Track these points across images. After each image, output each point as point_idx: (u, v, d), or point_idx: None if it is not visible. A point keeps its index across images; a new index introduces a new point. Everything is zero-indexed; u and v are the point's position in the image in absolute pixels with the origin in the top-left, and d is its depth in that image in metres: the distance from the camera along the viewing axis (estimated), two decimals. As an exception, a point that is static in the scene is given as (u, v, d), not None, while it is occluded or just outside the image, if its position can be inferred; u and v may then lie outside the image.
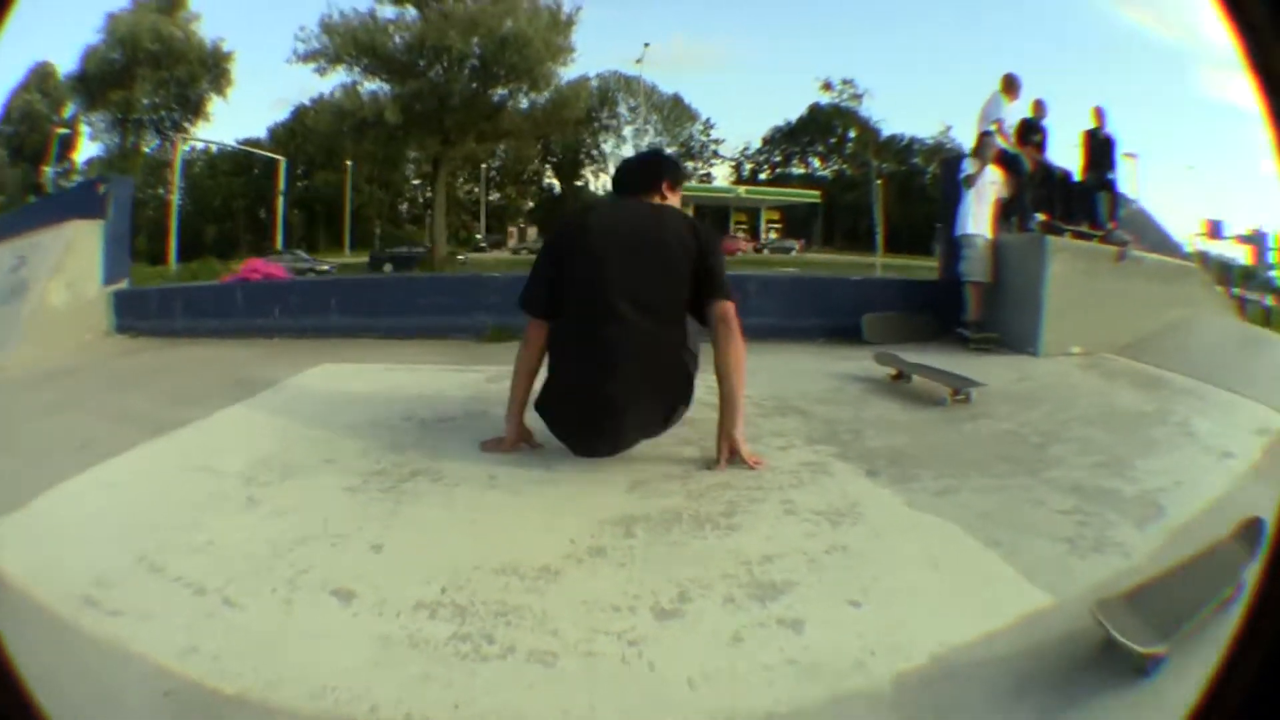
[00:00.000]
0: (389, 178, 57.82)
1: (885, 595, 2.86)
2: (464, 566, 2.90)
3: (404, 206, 61.98)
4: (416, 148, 49.47)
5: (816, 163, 72.96)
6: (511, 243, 60.98)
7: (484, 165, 60.06)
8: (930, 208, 37.52)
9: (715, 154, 71.20)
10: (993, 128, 9.75)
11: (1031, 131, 10.46)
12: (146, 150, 52.33)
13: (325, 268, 41.09)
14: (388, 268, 41.39)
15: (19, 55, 45.54)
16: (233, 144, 54.86)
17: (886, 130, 69.47)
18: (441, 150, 46.43)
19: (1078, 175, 10.89)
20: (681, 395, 4.20)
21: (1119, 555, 3.45)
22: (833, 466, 4.30)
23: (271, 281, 10.21)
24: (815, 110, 70.03)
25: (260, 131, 57.83)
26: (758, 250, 59.43)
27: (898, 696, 2.30)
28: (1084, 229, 9.95)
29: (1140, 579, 2.91)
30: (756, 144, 72.32)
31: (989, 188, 9.17)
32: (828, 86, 68.23)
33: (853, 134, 69.10)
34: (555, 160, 67.05)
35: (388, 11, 43.50)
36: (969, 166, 9.24)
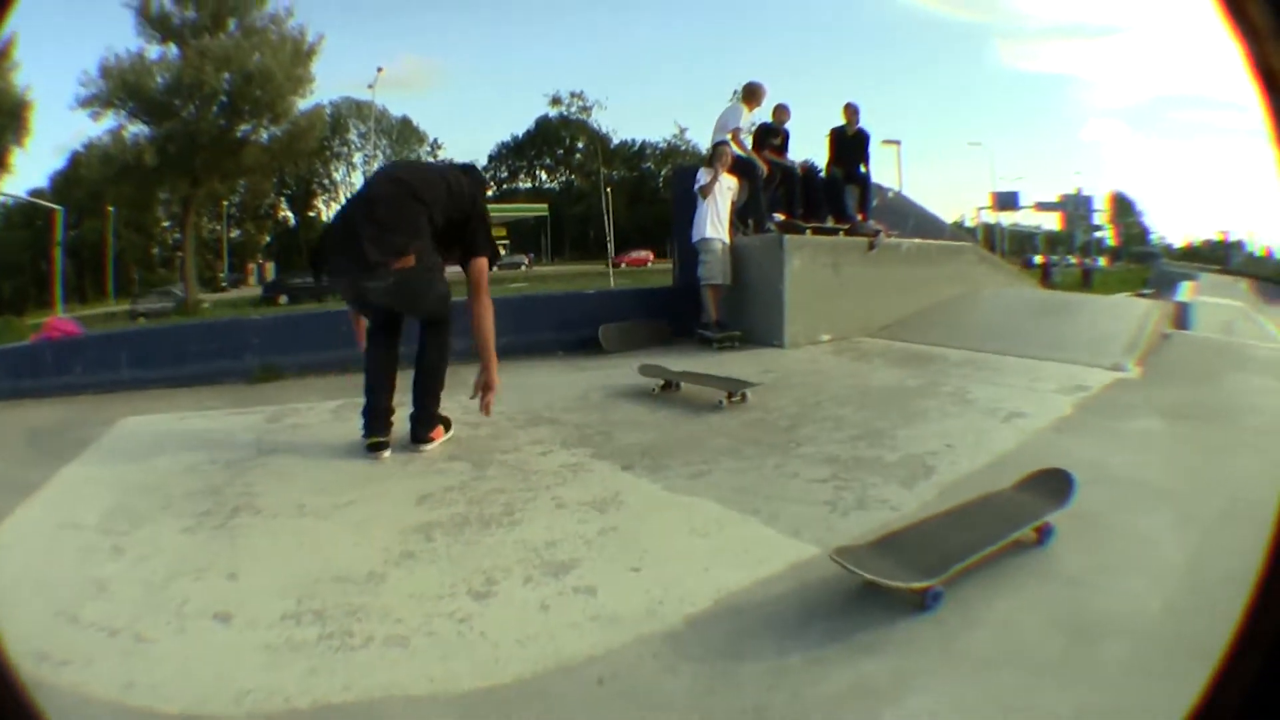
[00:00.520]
0: (141, 221, 58.47)
1: (660, 560, 3.76)
2: (307, 580, 3.61)
3: (156, 250, 61.37)
4: (168, 189, 52.35)
5: (544, 175, 77.96)
6: (251, 281, 61.66)
7: (225, 203, 62.38)
8: (664, 209, 39.83)
9: None
10: (728, 136, 10.88)
11: (770, 135, 11.78)
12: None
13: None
14: (141, 320, 41.79)
15: None
16: (23, 195, 53.81)
17: (617, 137, 73.79)
18: (190, 191, 49.65)
19: (826, 172, 12.30)
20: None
21: (886, 510, 4.32)
22: (591, 465, 5.22)
23: (70, 339, 10.21)
24: (543, 123, 75.17)
25: (44, 180, 57.30)
26: (501, 266, 60.21)
27: (692, 632, 3.13)
28: (829, 224, 11.39)
29: (894, 528, 3.79)
30: (483, 161, 76.17)
31: (725, 193, 10.29)
32: (557, 101, 73.89)
33: (581, 144, 74.21)
34: (290, 192, 69.99)
35: (154, 52, 46.45)
36: (703, 176, 10.29)
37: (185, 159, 46.49)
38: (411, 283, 5.36)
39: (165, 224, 62.58)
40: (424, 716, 2.74)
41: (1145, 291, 35.65)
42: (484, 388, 5.64)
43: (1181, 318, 18.37)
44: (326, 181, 70.85)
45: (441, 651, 3.05)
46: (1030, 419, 6.10)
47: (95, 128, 50.44)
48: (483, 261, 5.65)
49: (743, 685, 2.81)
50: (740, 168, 10.77)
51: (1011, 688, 2.77)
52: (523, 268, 60.87)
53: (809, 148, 12.86)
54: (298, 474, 5.22)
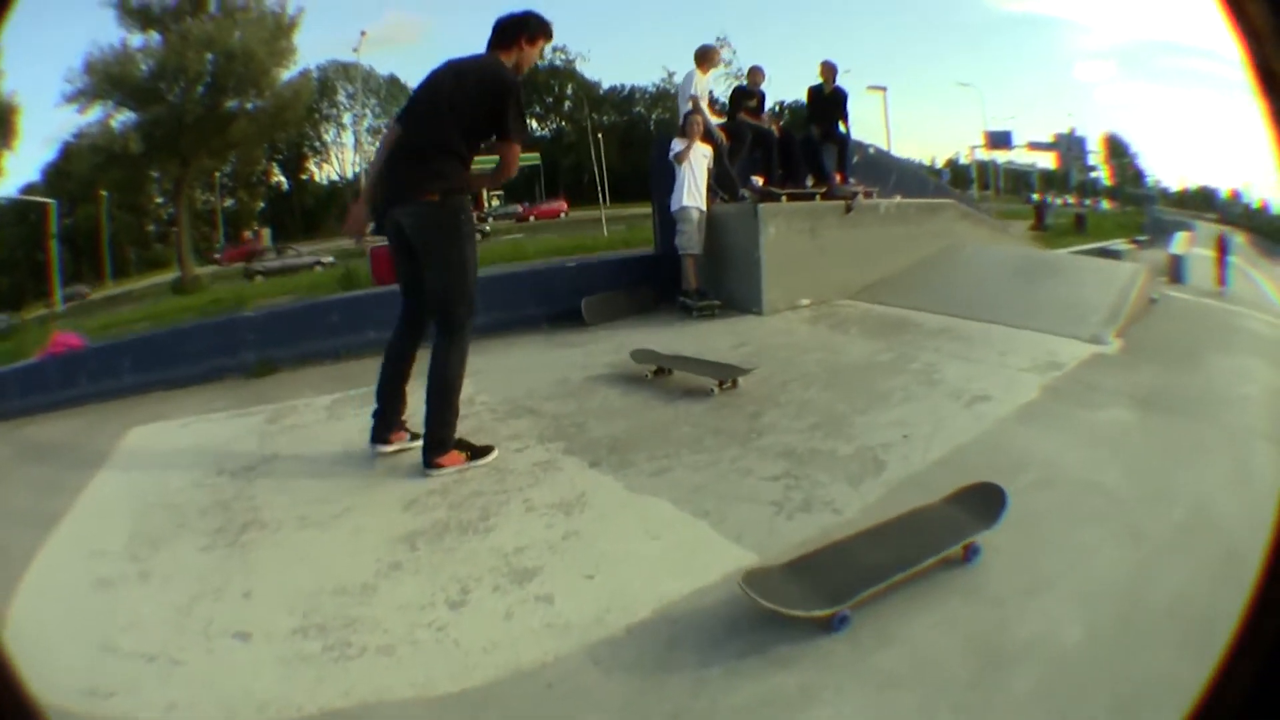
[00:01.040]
0: (135, 201, 57.34)
1: (612, 567, 4.02)
2: (310, 595, 3.92)
3: (151, 228, 61.33)
4: (159, 171, 52.56)
5: (534, 124, 74.67)
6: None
7: (217, 174, 60.99)
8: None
9: None
10: (689, 105, 10.87)
11: (745, 98, 11.77)
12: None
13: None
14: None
15: None
16: (14, 195, 53.75)
17: (606, 83, 73.64)
18: (181, 173, 49.83)
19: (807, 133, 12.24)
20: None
21: (828, 513, 4.42)
22: (562, 462, 5.42)
23: (74, 352, 10.38)
24: (531, 72, 72.21)
25: (36, 174, 57.04)
26: (481, 219, 60.47)
27: (631, 641, 3.41)
28: (806, 187, 11.34)
29: (814, 547, 3.89)
30: None
31: (700, 161, 10.31)
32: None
33: (571, 91, 73.31)
34: (282, 157, 68.10)
35: (137, 40, 45.91)
36: (677, 145, 10.32)
37: (172, 141, 47.01)
38: (431, 221, 5.27)
39: (159, 200, 60.31)
40: (409, 718, 3.11)
41: (1140, 238, 35.61)
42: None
43: (1175, 270, 18.33)
44: (318, 144, 69.01)
45: (423, 659, 3.41)
46: (994, 404, 6.04)
47: (85, 119, 49.50)
48: (514, 147, 5.46)
49: (667, 693, 3.09)
50: (709, 135, 10.71)
51: (910, 709, 2.93)
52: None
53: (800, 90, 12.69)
54: (298, 482, 5.44)
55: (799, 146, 11.86)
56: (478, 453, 5.46)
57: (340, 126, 68.85)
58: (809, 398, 6.46)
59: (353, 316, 9.40)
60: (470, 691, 3.18)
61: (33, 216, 53.79)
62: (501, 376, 7.46)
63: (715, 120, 11.03)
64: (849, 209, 10.57)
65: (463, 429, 5.54)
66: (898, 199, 12.07)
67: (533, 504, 4.79)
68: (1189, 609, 3.29)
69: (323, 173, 69.36)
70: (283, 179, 69.36)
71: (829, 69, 12.41)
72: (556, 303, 10.24)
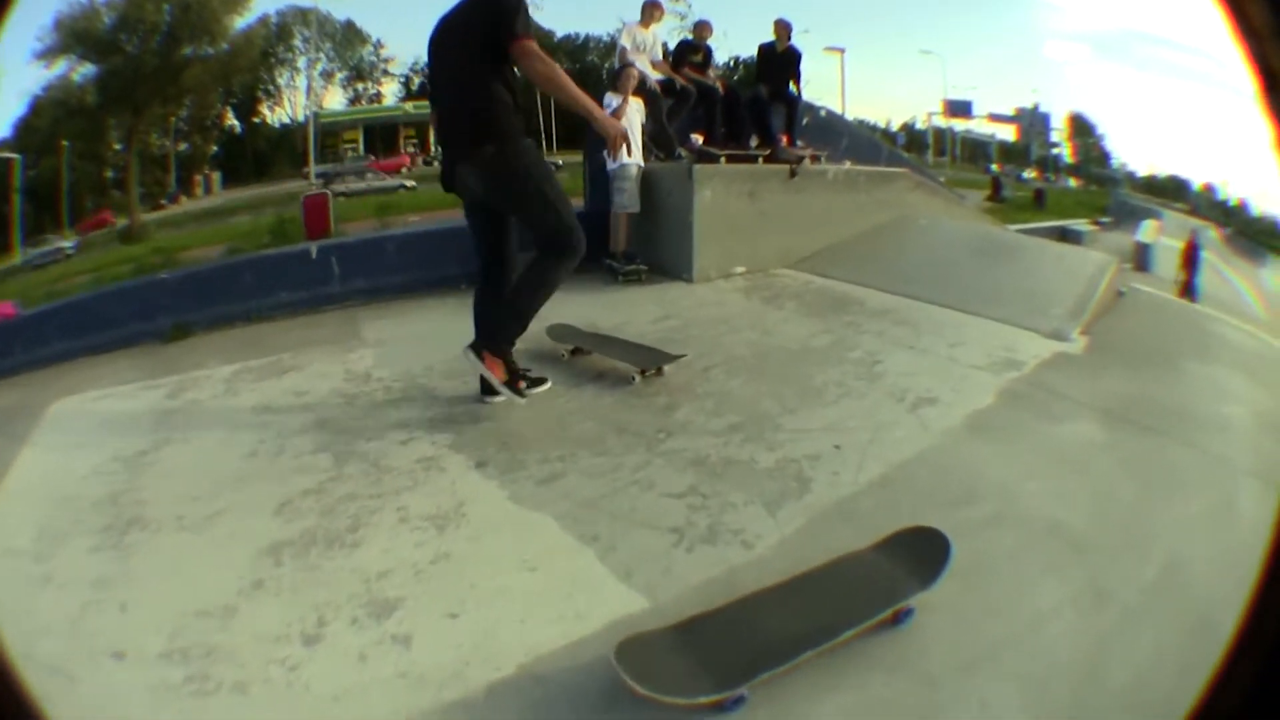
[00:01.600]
0: (94, 150, 59.25)
1: (481, 604, 3.51)
2: (179, 614, 3.54)
3: (109, 174, 62.81)
4: (114, 120, 48.03)
5: None
6: (196, 194, 63.18)
7: (172, 118, 63.37)
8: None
9: (385, 72, 76.02)
10: (629, 59, 10.34)
11: (691, 52, 11.12)
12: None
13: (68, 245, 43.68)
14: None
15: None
16: None
17: (561, 31, 75.20)
18: (133, 121, 47.45)
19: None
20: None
21: (737, 546, 3.82)
22: (446, 460, 4.88)
23: (6, 321, 10.47)
24: None
25: (9, 130, 58.30)
26: (427, 163, 61.49)
27: (491, 703, 2.97)
28: (750, 148, 10.80)
29: (715, 590, 3.37)
30: (424, 60, 76.45)
31: (635, 117, 9.75)
32: None
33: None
34: (235, 101, 71.52)
35: None
36: (612, 100, 9.72)
37: (127, 92, 45.53)
38: (496, 171, 5.08)
39: (117, 148, 64.10)
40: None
41: (1103, 220, 35.43)
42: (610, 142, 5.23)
43: (1142, 258, 18.02)
44: (271, 88, 71.37)
45: (274, 702, 3.07)
46: (942, 409, 5.42)
47: (51, 74, 52.16)
48: (524, 43, 4.91)
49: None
50: (645, 90, 10.21)
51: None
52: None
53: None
54: (182, 474, 5.04)
55: (745, 105, 11.34)
56: (516, 377, 5.36)
57: (295, 70, 69.94)
58: (731, 389, 5.83)
59: (266, 277, 9.14)
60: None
61: (0, 171, 56.33)
62: (406, 347, 7.05)
63: (657, 75, 10.53)
64: (793, 173, 10.07)
65: (355, 411, 5.58)
66: (848, 165, 11.61)
67: (407, 514, 4.27)
68: (1150, 694, 2.90)
69: (274, 116, 69.57)
70: (236, 123, 71.50)
71: (783, 26, 11.88)
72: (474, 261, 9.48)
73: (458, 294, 8.75)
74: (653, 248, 9.64)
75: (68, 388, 7.18)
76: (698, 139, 10.65)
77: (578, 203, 10.73)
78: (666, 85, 10.45)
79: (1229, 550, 3.52)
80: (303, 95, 63.79)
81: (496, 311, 5.27)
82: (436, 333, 7.43)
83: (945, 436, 5.03)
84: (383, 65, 77.14)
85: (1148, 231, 21.96)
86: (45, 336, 8.94)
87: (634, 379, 6.00)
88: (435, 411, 5.63)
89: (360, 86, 73.61)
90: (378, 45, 76.05)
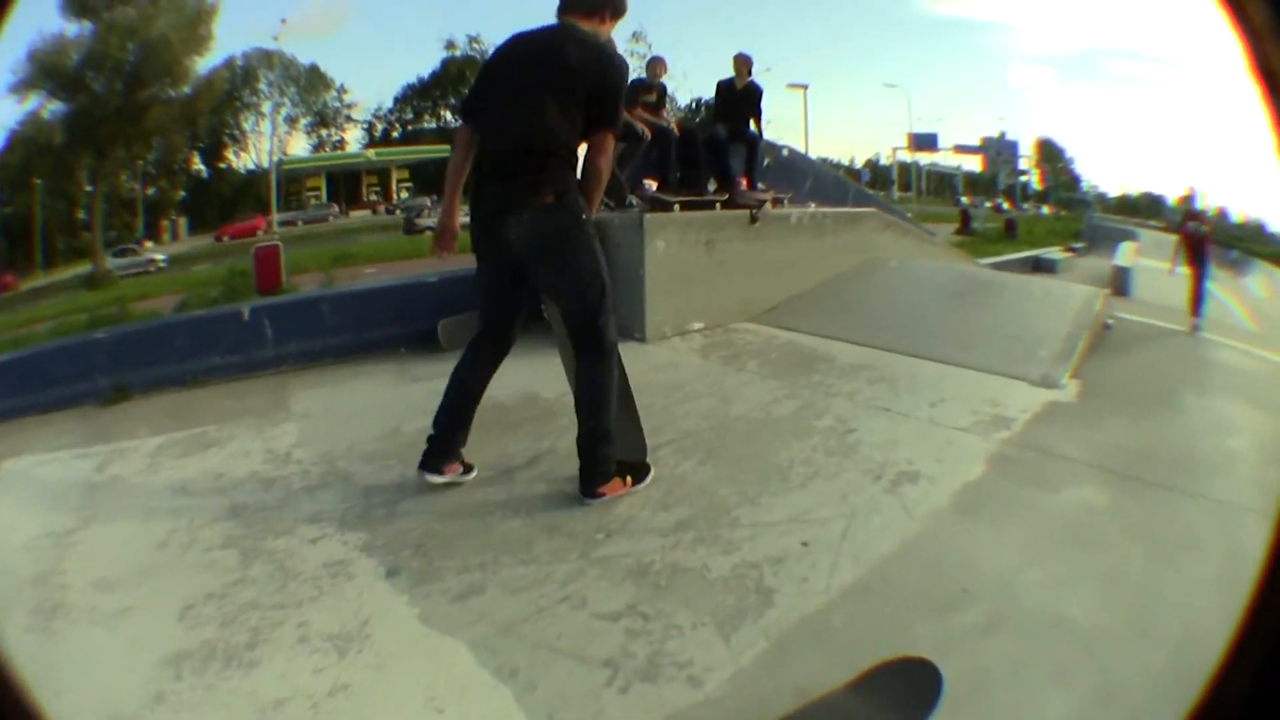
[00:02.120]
0: (65, 189, 58.27)
1: None
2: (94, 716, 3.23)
3: (81, 215, 63.70)
4: (79, 161, 53.80)
5: (449, 116, 75.61)
6: (163, 239, 62.34)
7: (140, 161, 62.47)
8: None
9: (349, 118, 75.65)
10: None
11: (644, 92, 10.74)
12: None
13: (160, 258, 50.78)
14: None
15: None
16: None
17: None
18: (98, 164, 52.18)
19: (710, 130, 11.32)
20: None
21: (683, 683, 3.24)
22: (357, 565, 4.33)
23: None
24: (449, 64, 74.60)
25: None
26: (389, 211, 63.54)
27: None
28: (708, 192, 10.37)
29: None
30: (389, 104, 76.68)
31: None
32: (452, 45, 72.95)
33: None
34: (203, 145, 68.63)
35: (74, 30, 49.24)
36: None
37: (91, 133, 49.80)
38: (550, 227, 4.68)
39: (89, 189, 60.72)
40: None
41: (1076, 246, 35.53)
42: None
43: (1120, 283, 17.86)
44: (237, 132, 68.82)
45: None
46: (925, 486, 4.83)
47: (24, 109, 52.53)
48: (609, 138, 4.76)
49: None
50: None
51: None
52: (425, 213, 61.75)
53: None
54: (101, 558, 4.59)
55: (702, 146, 10.84)
56: (639, 472, 4.98)
57: (260, 115, 70.25)
58: (684, 473, 5.18)
59: (199, 339, 8.50)
60: None
61: (-22, 203, 62.43)
62: (332, 422, 6.52)
63: None
64: (754, 219, 9.59)
65: (269, 501, 5.08)
66: (812, 207, 11.24)
67: (308, 631, 3.72)
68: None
69: (240, 161, 69.88)
70: (202, 167, 71.00)
71: (743, 61, 11.54)
72: (417, 321, 9.25)
73: (395, 358, 8.62)
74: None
75: (11, 449, 6.74)
76: (651, 185, 10.17)
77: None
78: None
79: (1239, 611, 3.11)
80: (267, 140, 65.24)
81: (584, 451, 4.79)
82: (367, 405, 7.08)
83: (930, 521, 4.46)
84: (346, 111, 73.61)
85: (1125, 254, 21.90)
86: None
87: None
88: (351, 503, 5.09)
89: (324, 133, 72.53)
90: (341, 90, 72.19)
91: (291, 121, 69.24)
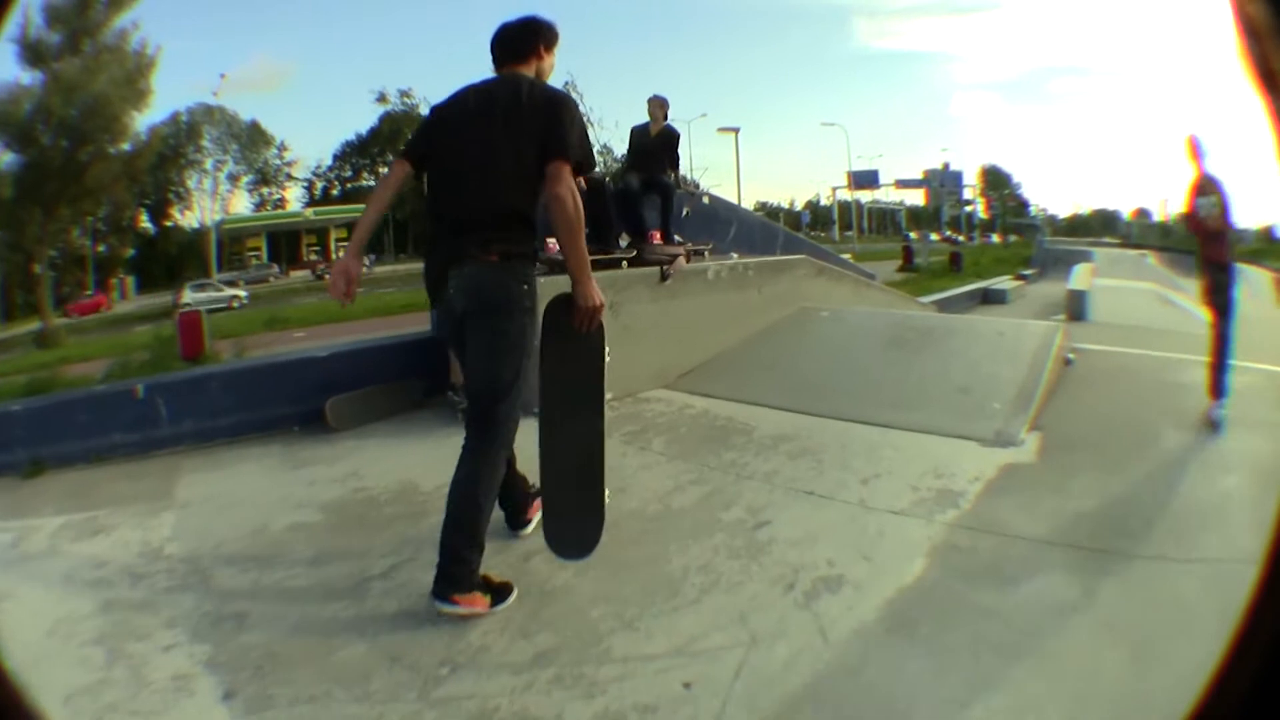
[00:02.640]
0: (19, 243, 59.95)
1: None
2: None
3: (38, 269, 62.63)
4: (26, 217, 54.58)
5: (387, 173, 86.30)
6: (112, 298, 66.64)
7: (89, 218, 66.58)
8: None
9: (289, 176, 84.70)
10: None
11: None
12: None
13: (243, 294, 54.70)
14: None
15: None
16: None
17: None
18: (44, 221, 53.31)
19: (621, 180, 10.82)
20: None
21: None
22: (198, 683, 4.02)
23: None
24: (387, 119, 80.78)
25: None
26: (317, 276, 64.98)
27: None
28: (620, 247, 9.70)
29: None
30: (329, 161, 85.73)
31: None
32: (384, 99, 79.00)
33: None
34: (149, 203, 74.97)
35: (29, 79, 51.19)
36: None
37: (37, 188, 50.81)
38: (484, 285, 4.49)
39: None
40: None
41: (1026, 273, 35.22)
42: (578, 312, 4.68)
43: (1077, 307, 17.47)
44: (181, 190, 77.08)
45: None
46: (849, 596, 4.02)
47: None
48: (568, 167, 4.43)
49: None
50: None
51: None
52: (369, 269, 62.14)
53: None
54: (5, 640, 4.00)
55: (612, 199, 10.03)
56: (499, 593, 4.50)
57: (203, 172, 77.70)
58: (555, 588, 4.50)
59: (100, 416, 8.20)
60: None
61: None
62: (210, 513, 6.13)
63: None
64: (664, 275, 8.95)
65: (128, 597, 4.86)
66: (734, 257, 10.59)
67: None
68: None
69: (185, 219, 76.91)
70: (149, 225, 78.17)
71: (658, 104, 10.90)
72: (308, 399, 8.80)
73: (285, 439, 8.27)
74: (501, 378, 8.34)
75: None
76: (552, 244, 9.29)
77: (425, 326, 10.20)
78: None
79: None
80: (209, 199, 69.68)
81: (444, 550, 4.39)
82: (246, 495, 6.65)
83: (853, 645, 3.60)
84: (286, 169, 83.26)
85: (1080, 277, 21.61)
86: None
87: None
88: (209, 607, 4.69)
89: (265, 191, 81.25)
90: (281, 147, 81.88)
91: (234, 179, 72.35)
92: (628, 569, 4.53)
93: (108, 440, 7.98)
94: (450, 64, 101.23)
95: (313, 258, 71.66)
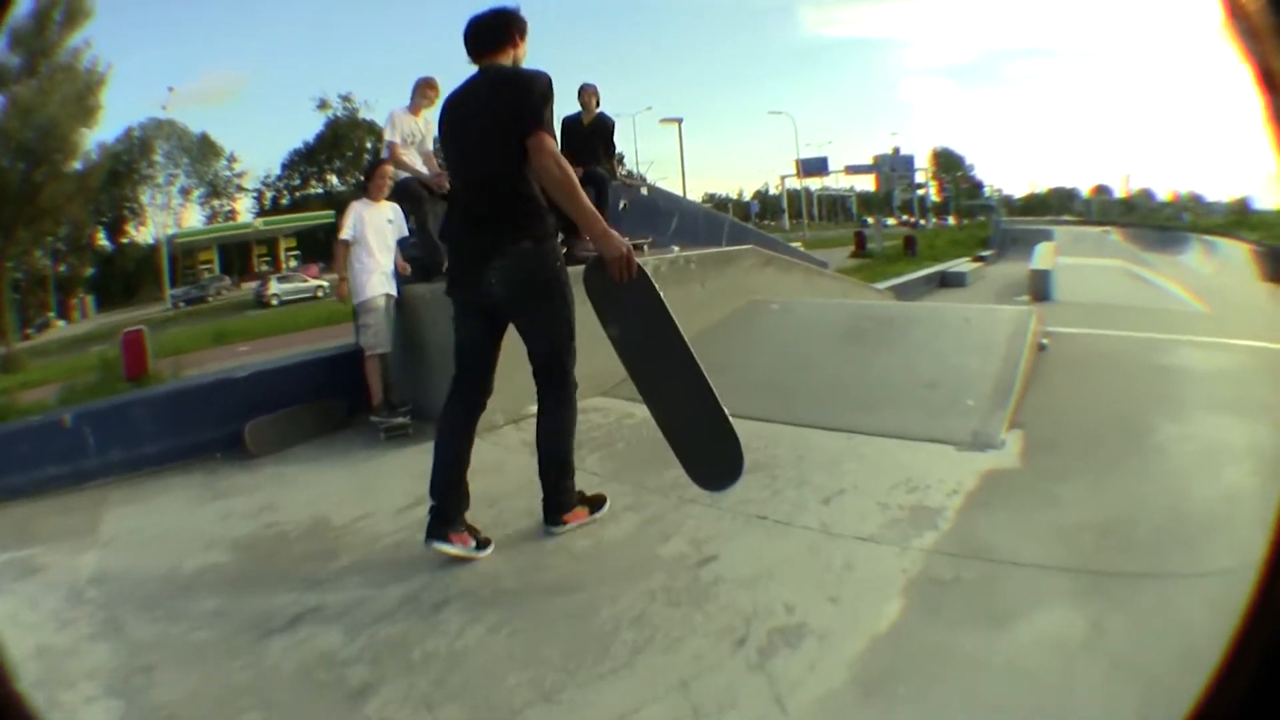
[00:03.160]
0: None
1: None
2: None
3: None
4: None
5: (335, 179, 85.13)
6: (74, 318, 67.08)
7: (49, 238, 67.57)
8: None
9: (239, 188, 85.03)
10: (402, 154, 9.34)
11: None
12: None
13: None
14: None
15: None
16: None
17: None
18: (3, 245, 53.82)
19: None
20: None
21: None
22: None
23: None
24: (332, 125, 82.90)
25: None
26: (263, 303, 63.08)
27: None
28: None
29: None
30: (277, 171, 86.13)
31: (387, 229, 8.42)
32: (326, 105, 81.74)
33: (371, 144, 79.12)
34: (106, 220, 76.25)
35: None
36: (350, 218, 8.38)
37: None
38: (527, 270, 4.81)
39: (10, 264, 65.18)
40: None
41: (985, 254, 35.13)
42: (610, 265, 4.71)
43: (1040, 286, 17.27)
44: (135, 205, 77.67)
45: None
46: (810, 650, 3.39)
47: None
48: (546, 135, 4.62)
49: None
50: (400, 192, 8.89)
51: None
52: (308, 280, 63.50)
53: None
54: None
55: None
56: (594, 504, 5.32)
57: (156, 187, 78.44)
58: (466, 647, 3.87)
59: (35, 448, 7.99)
60: None
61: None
62: (128, 551, 5.86)
63: (430, 171, 9.34)
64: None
65: (50, 643, 4.65)
66: (675, 251, 10.35)
67: None
68: None
69: (140, 235, 77.68)
70: (107, 243, 79.29)
71: (589, 93, 10.73)
72: (231, 422, 8.48)
73: (207, 466, 7.94)
74: (423, 392, 8.09)
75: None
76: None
77: (348, 339, 9.98)
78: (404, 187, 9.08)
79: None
80: (163, 213, 70.67)
81: (550, 490, 5.12)
82: (164, 531, 6.36)
83: (819, 718, 2.99)
84: (236, 180, 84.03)
85: (1043, 256, 21.53)
86: None
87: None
88: (118, 663, 4.35)
89: (216, 203, 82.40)
90: (231, 159, 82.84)
91: (185, 193, 72.99)
92: (549, 623, 3.94)
93: (44, 473, 7.77)
94: (400, 63, 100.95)
95: (264, 268, 72.44)
